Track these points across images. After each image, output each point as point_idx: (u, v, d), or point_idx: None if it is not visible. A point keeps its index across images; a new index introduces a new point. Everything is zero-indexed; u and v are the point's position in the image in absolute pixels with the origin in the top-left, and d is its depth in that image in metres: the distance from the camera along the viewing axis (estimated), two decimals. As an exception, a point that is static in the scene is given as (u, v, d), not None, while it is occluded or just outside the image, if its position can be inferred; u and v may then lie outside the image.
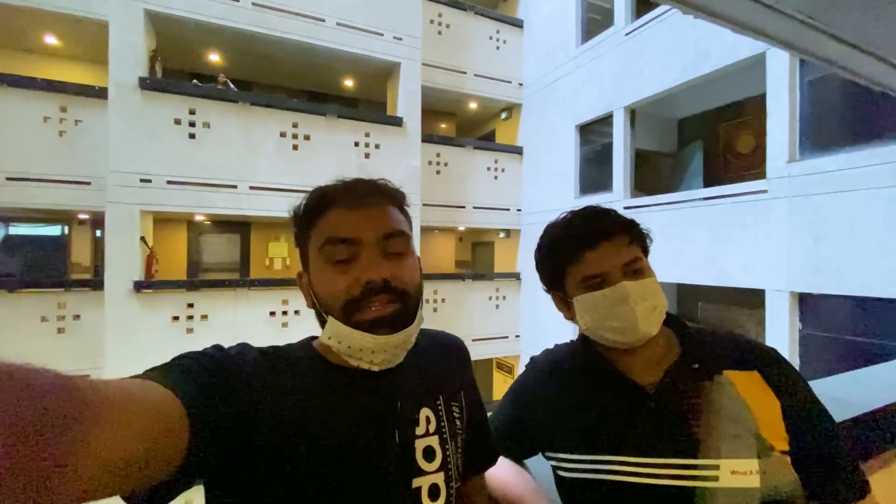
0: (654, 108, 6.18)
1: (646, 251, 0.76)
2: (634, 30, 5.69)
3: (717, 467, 0.62)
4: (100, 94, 5.14)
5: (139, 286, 4.90)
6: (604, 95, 6.16)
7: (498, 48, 7.93)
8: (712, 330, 0.78)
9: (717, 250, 4.69)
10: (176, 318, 5.07)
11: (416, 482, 0.59)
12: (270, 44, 5.94)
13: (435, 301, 6.92)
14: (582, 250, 0.74)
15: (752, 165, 5.79)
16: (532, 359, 0.89)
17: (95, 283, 5.17)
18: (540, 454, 0.82)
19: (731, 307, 5.88)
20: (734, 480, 0.61)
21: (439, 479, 0.61)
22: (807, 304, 4.01)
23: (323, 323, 0.61)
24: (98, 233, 7.04)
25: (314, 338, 0.67)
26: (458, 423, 0.67)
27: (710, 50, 4.70)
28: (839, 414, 1.08)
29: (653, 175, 6.78)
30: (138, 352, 4.86)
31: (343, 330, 0.58)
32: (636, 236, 0.75)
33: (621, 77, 5.89)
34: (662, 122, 6.80)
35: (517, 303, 7.75)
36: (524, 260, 7.86)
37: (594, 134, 6.51)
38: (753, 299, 4.63)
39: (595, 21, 6.65)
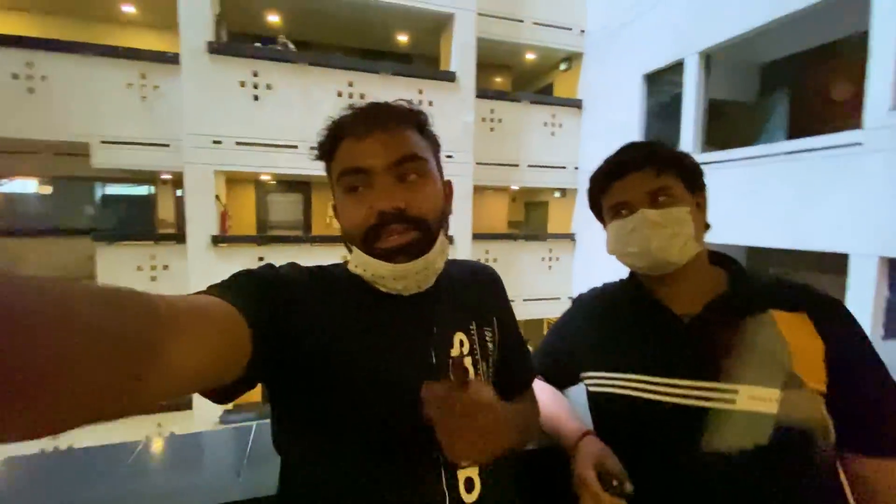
0: (732, 53, 5.55)
1: (692, 184, 0.75)
2: (716, -38, 5.06)
3: (735, 392, 0.64)
4: (173, 59, 5.44)
5: (216, 240, 5.37)
6: (677, 40, 5.60)
7: (559, -9, 7.38)
8: (776, 277, 0.75)
9: (797, 211, 4.28)
10: (248, 270, 5.52)
11: None
12: (325, 1, 5.95)
13: (486, 261, 6.97)
14: (611, 180, 0.77)
15: (846, 115, 5.11)
16: (578, 295, 0.95)
17: (179, 237, 5.71)
18: (580, 384, 0.86)
19: (805, 272, 5.42)
20: (750, 405, 0.63)
21: None
22: (897, 270, 3.63)
23: (350, 252, 0.65)
24: (178, 192, 7.70)
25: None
26: (489, 345, 0.70)
27: (805, -20, 4.11)
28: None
29: (728, 128, 6.17)
30: (218, 299, 5.39)
31: (365, 259, 0.61)
32: (671, 166, 0.73)
33: (697, 18, 5.31)
34: (742, 67, 6.09)
35: (570, 264, 7.62)
36: (580, 220, 7.63)
37: (663, 84, 5.99)
38: (833, 264, 4.24)
39: (670, -46, 5.96)
